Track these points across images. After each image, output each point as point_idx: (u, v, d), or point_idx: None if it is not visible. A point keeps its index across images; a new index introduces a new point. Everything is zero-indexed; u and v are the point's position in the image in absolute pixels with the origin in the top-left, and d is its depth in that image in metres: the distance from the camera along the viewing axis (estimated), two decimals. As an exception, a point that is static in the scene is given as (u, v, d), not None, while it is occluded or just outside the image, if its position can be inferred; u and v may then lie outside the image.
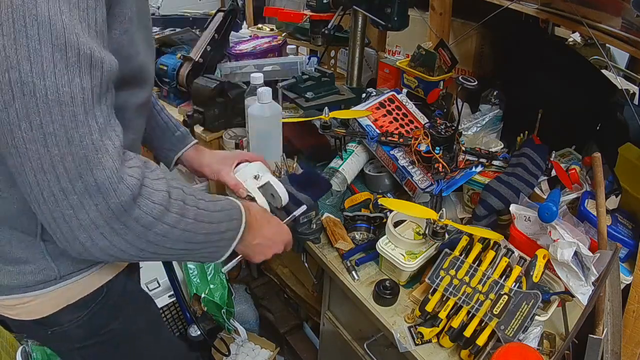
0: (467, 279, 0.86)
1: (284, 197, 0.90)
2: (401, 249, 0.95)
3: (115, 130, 0.55)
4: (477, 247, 0.91)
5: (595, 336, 0.79)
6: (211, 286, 1.54)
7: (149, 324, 0.94)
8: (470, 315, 0.83)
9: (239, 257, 0.81)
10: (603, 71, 1.50)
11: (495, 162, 1.14)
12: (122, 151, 0.56)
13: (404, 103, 1.32)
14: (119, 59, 0.56)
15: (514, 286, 0.83)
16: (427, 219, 0.94)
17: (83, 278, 0.76)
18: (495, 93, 1.40)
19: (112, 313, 0.83)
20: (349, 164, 1.23)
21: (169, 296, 1.57)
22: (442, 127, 1.12)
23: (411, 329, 0.87)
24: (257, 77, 1.26)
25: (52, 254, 0.71)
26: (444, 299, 0.86)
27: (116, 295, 0.82)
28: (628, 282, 0.92)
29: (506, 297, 0.81)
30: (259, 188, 0.92)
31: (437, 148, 1.10)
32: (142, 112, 0.75)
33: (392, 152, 1.18)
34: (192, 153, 1.01)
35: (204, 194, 0.68)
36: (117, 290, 0.82)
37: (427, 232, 0.94)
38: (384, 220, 1.07)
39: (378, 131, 1.21)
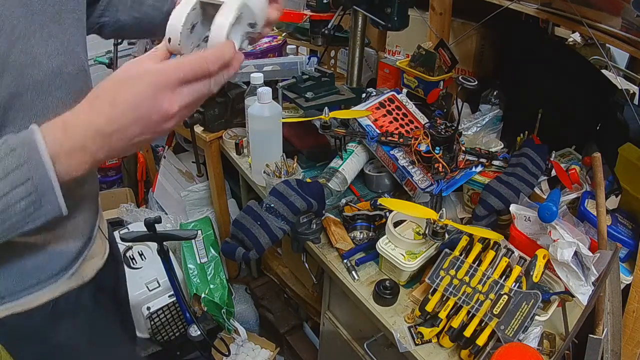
0: (467, 279, 0.86)
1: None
2: (401, 249, 0.95)
3: None
4: (477, 247, 0.91)
5: (595, 336, 0.79)
6: (211, 286, 1.54)
7: (97, 341, 0.84)
8: (470, 315, 0.83)
9: None
10: (603, 71, 1.49)
11: (495, 162, 1.14)
12: None
13: (404, 103, 1.32)
14: None
15: (514, 286, 0.83)
16: (427, 219, 0.94)
17: (30, 296, 0.69)
18: (495, 93, 1.40)
19: (55, 326, 0.74)
20: (349, 164, 1.23)
21: (169, 296, 1.58)
22: (442, 127, 1.12)
23: (411, 329, 0.87)
24: (257, 77, 1.26)
25: None
26: (444, 299, 0.86)
27: (63, 309, 0.74)
28: (628, 282, 0.92)
29: (506, 297, 0.81)
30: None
31: (437, 148, 1.10)
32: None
33: (392, 152, 1.18)
34: None
35: None
36: (67, 303, 0.74)
37: (427, 232, 0.94)
38: (384, 219, 1.07)
39: (378, 131, 1.21)
